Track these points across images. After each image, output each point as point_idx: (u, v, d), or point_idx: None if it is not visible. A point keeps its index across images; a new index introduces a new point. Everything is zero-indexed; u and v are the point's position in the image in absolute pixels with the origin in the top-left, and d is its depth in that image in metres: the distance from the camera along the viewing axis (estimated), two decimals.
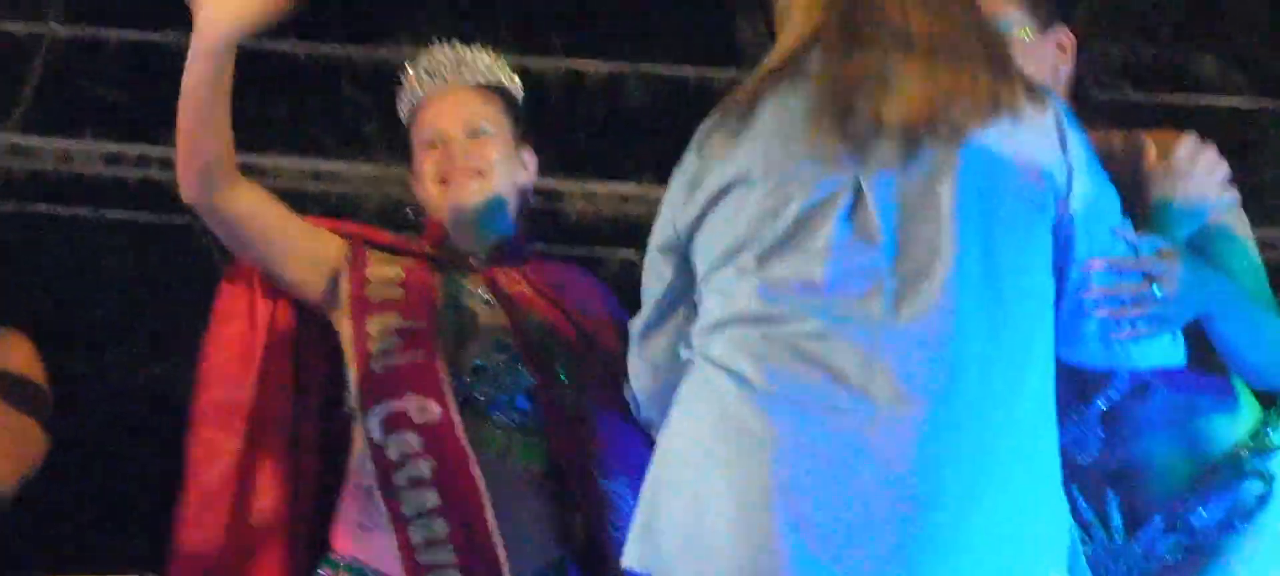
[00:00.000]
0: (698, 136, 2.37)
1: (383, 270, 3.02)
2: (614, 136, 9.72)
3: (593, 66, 7.82)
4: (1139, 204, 2.46)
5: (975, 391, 2.21)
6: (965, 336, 2.22)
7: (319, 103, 10.22)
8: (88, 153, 7.32)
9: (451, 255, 3.09)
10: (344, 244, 3.08)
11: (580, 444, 2.96)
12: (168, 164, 7.46)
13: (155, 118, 10.19)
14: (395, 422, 2.85)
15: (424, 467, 2.84)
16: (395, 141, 8.89)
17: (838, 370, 2.22)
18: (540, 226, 7.61)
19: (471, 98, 3.12)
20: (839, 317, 2.24)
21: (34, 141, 7.58)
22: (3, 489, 3.29)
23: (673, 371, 2.36)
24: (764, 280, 2.28)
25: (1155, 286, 2.31)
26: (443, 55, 3.15)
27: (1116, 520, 2.52)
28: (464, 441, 2.86)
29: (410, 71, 3.16)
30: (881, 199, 2.26)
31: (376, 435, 2.84)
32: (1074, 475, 2.46)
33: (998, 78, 2.31)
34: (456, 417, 2.87)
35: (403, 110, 3.18)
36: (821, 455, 2.21)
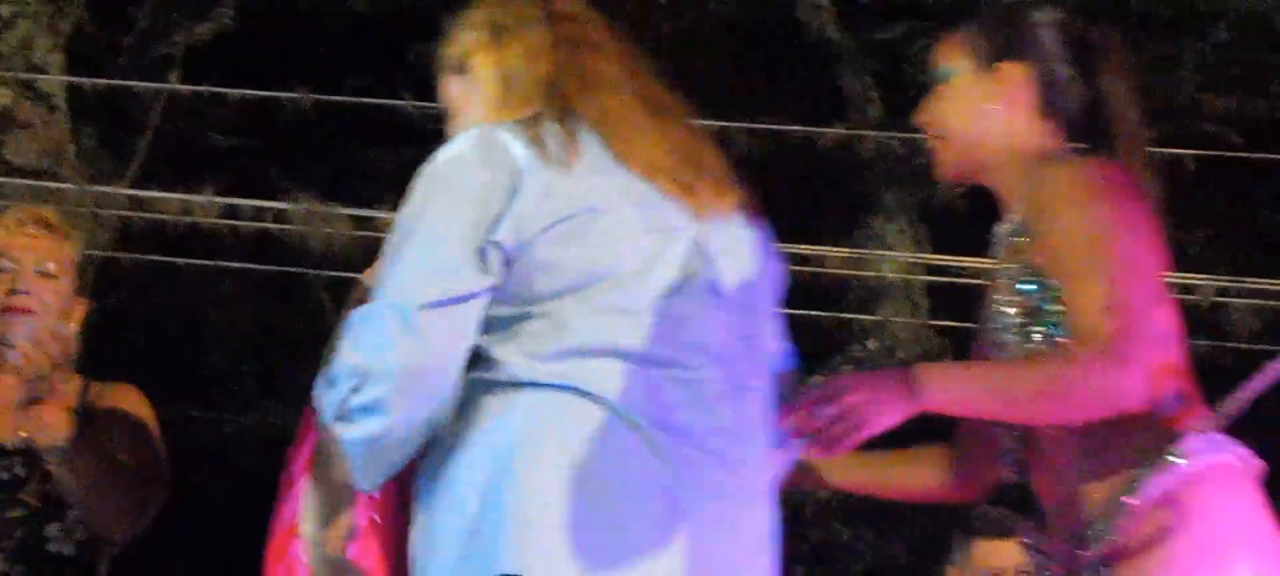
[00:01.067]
0: (526, 145, 2.33)
1: None
2: None
3: (702, 124, 7.87)
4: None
5: None
6: None
7: (425, 156, 10.37)
8: (206, 205, 7.47)
9: None
10: None
11: None
12: (282, 216, 7.60)
13: (271, 171, 10.40)
14: None
15: None
16: None
17: (725, 424, 2.34)
18: None
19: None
20: (718, 367, 2.34)
21: (154, 194, 7.75)
22: (117, 535, 3.37)
23: (451, 365, 2.30)
24: (656, 319, 2.31)
25: None
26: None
27: None
28: None
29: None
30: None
31: None
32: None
33: None
34: None
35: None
36: (726, 523, 2.31)
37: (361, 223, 7.57)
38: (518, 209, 2.29)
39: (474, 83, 2.51)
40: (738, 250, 2.44)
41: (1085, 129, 2.57)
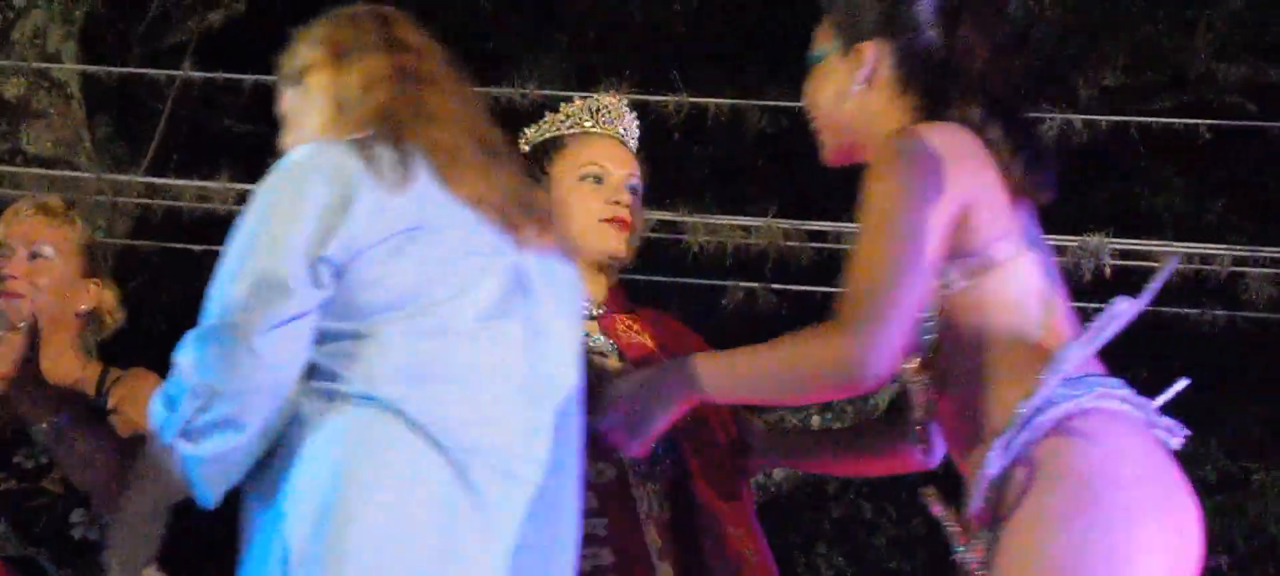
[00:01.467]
0: (361, 162, 2.39)
1: None
2: (736, 169, 9.77)
3: (714, 101, 7.86)
4: None
5: None
6: None
7: None
8: (223, 191, 7.48)
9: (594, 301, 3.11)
10: None
11: (716, 494, 2.96)
12: None
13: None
14: None
15: (599, 526, 2.87)
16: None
17: (536, 450, 2.43)
18: (663, 259, 7.71)
19: (629, 154, 3.16)
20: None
21: (170, 181, 7.76)
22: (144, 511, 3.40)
23: (288, 380, 2.35)
24: (474, 342, 2.40)
25: None
26: (615, 105, 3.17)
27: None
28: (638, 503, 2.91)
29: (576, 102, 3.18)
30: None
31: None
32: None
33: None
34: (631, 478, 2.90)
35: (544, 133, 3.17)
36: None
37: None
38: (349, 225, 2.34)
39: (309, 98, 2.59)
40: (555, 283, 2.52)
41: (947, 92, 2.55)
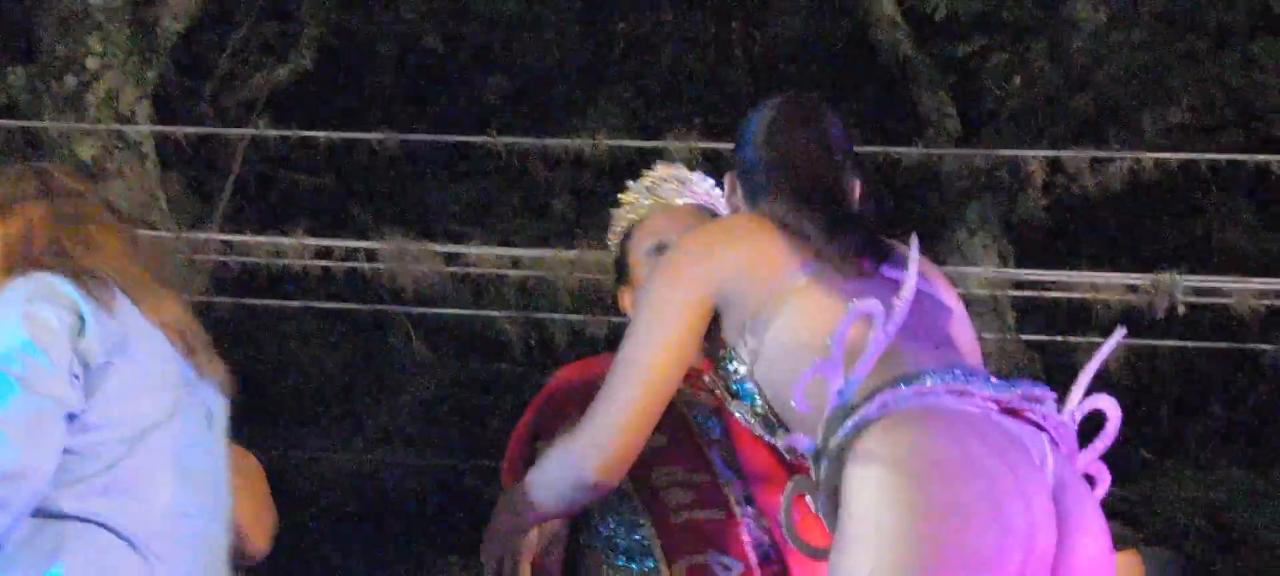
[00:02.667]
0: (75, 285, 2.60)
1: None
2: None
3: None
4: None
5: None
6: None
7: (514, 190, 10.44)
8: (298, 248, 7.56)
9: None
10: None
11: None
12: (373, 256, 7.68)
13: (356, 211, 10.50)
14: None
15: None
16: (584, 221, 9.03)
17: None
18: None
19: (692, 215, 3.10)
20: None
21: (247, 238, 7.85)
22: (258, 552, 3.49)
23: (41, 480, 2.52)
24: (175, 466, 2.64)
25: None
26: (669, 174, 3.18)
27: None
28: None
29: (630, 190, 3.18)
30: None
31: None
32: None
33: None
34: (757, 571, 2.90)
35: (618, 232, 3.19)
36: None
37: (452, 259, 7.66)
38: (83, 343, 2.56)
39: None
40: (221, 413, 2.80)
41: (757, 193, 2.76)
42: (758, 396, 2.62)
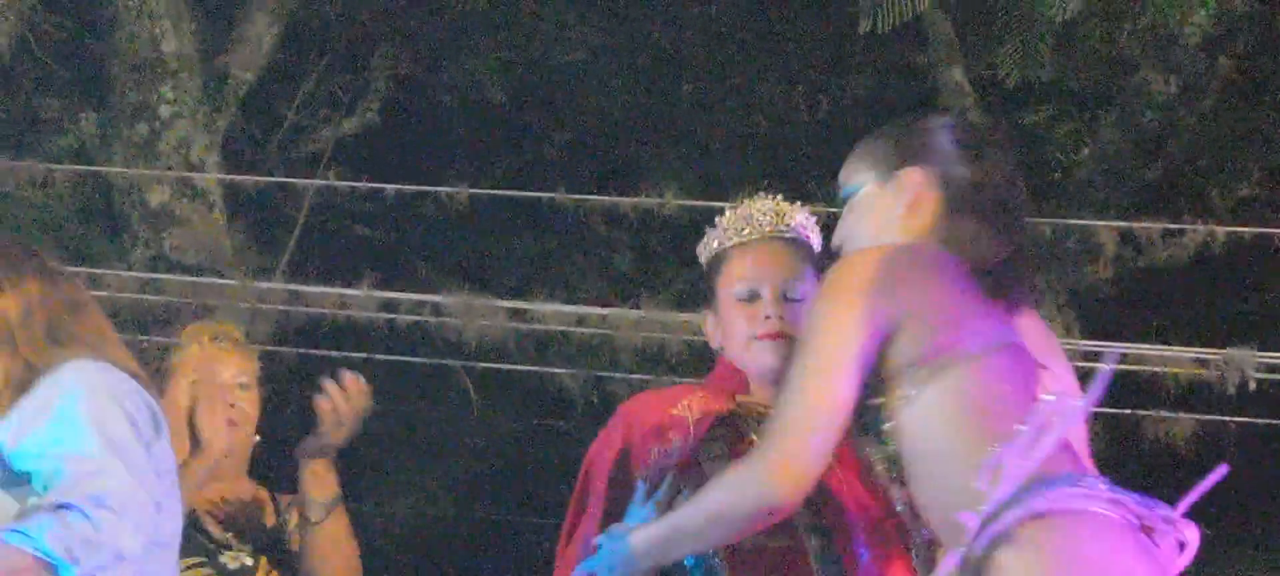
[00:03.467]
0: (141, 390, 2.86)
1: (707, 445, 2.97)
2: None
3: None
4: None
5: None
6: None
7: (578, 245, 10.45)
8: (364, 299, 7.59)
9: (755, 410, 3.03)
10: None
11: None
12: (439, 310, 7.70)
13: (420, 265, 10.53)
14: None
15: None
16: (649, 280, 9.02)
17: None
18: None
19: (786, 254, 3.06)
20: None
21: (312, 288, 7.88)
22: None
23: None
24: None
25: None
26: (768, 207, 3.10)
27: None
28: None
29: (727, 213, 3.12)
30: None
31: None
32: None
33: None
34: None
35: (708, 251, 3.14)
36: None
37: (516, 314, 7.66)
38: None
39: None
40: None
41: (960, 213, 2.67)
42: (891, 441, 2.55)
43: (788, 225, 3.09)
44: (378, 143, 10.43)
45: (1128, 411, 8.00)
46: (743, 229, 3.07)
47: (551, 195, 7.95)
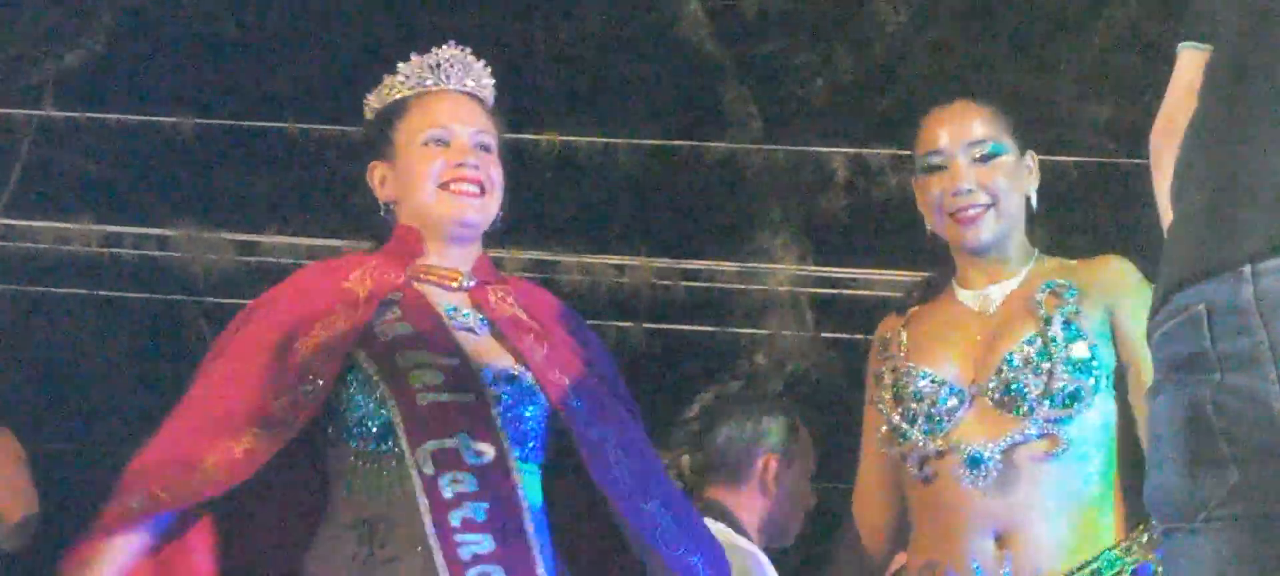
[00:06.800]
0: None
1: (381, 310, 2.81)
2: (607, 208, 9.77)
3: (585, 141, 7.85)
4: None
5: None
6: None
7: (310, 179, 10.27)
8: (85, 233, 7.34)
9: (433, 272, 2.89)
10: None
11: (615, 470, 2.78)
12: (164, 243, 7.49)
13: (152, 198, 10.25)
14: (447, 461, 2.72)
15: (478, 510, 2.72)
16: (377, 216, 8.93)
17: None
18: None
19: (479, 108, 2.93)
20: None
21: (30, 223, 7.60)
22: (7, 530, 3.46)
23: None
24: None
25: None
26: (459, 57, 2.94)
27: None
28: (518, 485, 2.74)
29: (415, 59, 2.93)
30: None
31: (428, 470, 2.70)
32: None
33: None
34: (511, 462, 2.77)
35: (385, 98, 2.95)
36: None
37: (245, 248, 7.47)
38: None
39: None
40: None
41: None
42: None
43: (485, 83, 3.00)
44: (102, 76, 10.12)
45: (860, 336, 8.16)
46: (429, 78, 2.95)
47: (282, 125, 7.77)
